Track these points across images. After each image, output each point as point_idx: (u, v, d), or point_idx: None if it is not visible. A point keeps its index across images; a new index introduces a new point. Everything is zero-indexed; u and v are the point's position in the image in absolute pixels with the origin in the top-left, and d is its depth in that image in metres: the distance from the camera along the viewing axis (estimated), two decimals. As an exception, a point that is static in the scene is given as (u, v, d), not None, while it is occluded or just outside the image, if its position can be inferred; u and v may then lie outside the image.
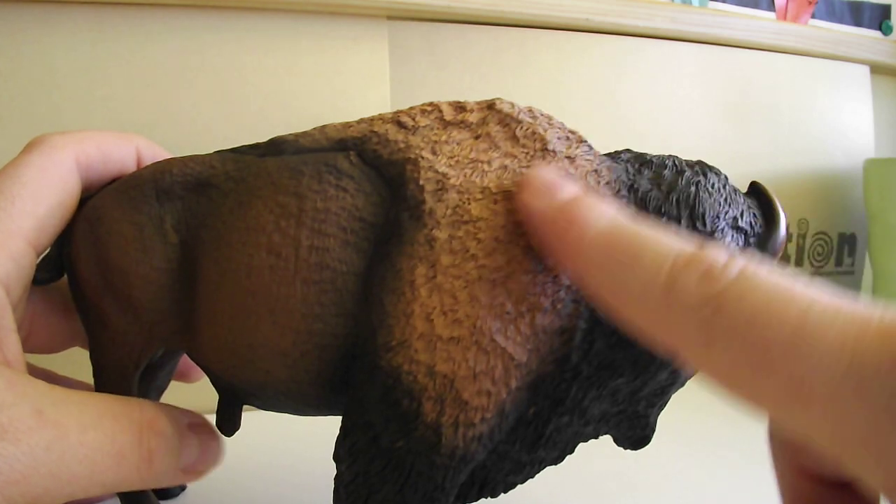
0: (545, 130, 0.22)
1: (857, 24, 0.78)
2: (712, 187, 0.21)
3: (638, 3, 0.63)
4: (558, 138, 0.22)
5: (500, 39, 0.59)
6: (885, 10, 0.79)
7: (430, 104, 0.23)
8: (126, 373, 0.29)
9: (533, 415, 0.20)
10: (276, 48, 0.51)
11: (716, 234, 0.21)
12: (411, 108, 0.24)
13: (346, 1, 0.52)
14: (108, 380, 0.28)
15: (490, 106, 0.22)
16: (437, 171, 0.21)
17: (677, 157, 0.23)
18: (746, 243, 0.21)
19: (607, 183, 0.21)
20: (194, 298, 0.24)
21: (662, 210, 0.21)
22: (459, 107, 0.23)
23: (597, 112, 0.63)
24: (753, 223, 0.22)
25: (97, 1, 0.47)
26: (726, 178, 0.23)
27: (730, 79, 0.69)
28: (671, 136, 0.65)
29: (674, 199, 0.21)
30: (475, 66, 0.59)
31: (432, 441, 0.19)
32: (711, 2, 0.68)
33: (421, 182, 0.21)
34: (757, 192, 0.23)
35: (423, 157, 0.21)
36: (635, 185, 0.21)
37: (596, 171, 0.21)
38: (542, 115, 0.22)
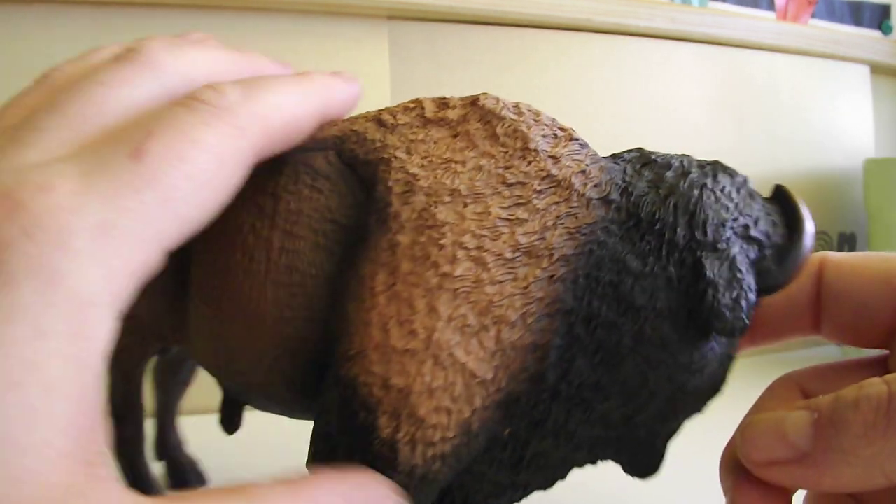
0: (528, 128, 0.20)
1: (857, 23, 0.78)
2: (721, 191, 0.19)
3: (638, 3, 0.63)
4: (543, 136, 0.20)
5: (500, 39, 0.59)
6: (885, 10, 0.79)
7: (415, 101, 0.22)
8: (129, 375, 0.29)
9: (509, 436, 0.19)
10: (277, 48, 0.51)
11: (719, 245, 0.18)
12: (396, 106, 0.22)
13: (346, 1, 0.52)
14: (113, 381, 0.28)
15: (473, 102, 0.20)
16: (407, 172, 0.19)
17: (689, 156, 0.21)
18: (760, 255, 0.19)
19: (596, 185, 0.19)
20: (185, 297, 0.24)
21: (657, 216, 0.19)
22: (442, 103, 0.21)
23: (597, 112, 0.63)
24: (771, 232, 0.20)
25: (97, 1, 0.47)
26: (745, 180, 0.20)
27: (730, 79, 0.69)
28: (671, 135, 0.65)
29: (671, 204, 0.19)
30: (475, 66, 0.59)
31: (389, 458, 0.17)
32: (711, 2, 0.68)
33: (389, 183, 0.19)
34: (781, 196, 0.21)
35: (395, 157, 0.20)
36: (630, 188, 0.19)
37: (584, 171, 0.19)
38: (529, 110, 0.20)
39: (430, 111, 0.21)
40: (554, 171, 0.19)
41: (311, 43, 0.52)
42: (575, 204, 0.19)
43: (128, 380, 0.29)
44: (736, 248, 0.19)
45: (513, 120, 0.20)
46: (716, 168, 0.20)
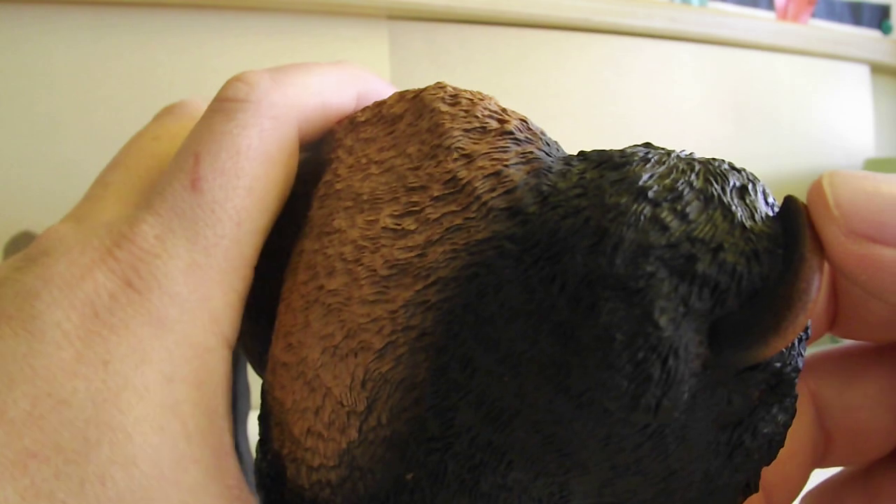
0: (452, 120, 0.16)
1: (857, 23, 0.78)
2: (668, 202, 0.13)
3: (637, 3, 0.63)
4: (464, 131, 0.16)
5: (500, 39, 0.59)
6: (885, 10, 0.79)
7: (392, 96, 0.19)
8: None
9: (413, 482, 0.16)
10: (277, 48, 0.51)
11: (630, 282, 0.13)
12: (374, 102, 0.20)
13: (346, 1, 0.52)
14: None
15: (418, 94, 0.18)
16: (335, 174, 0.18)
17: (667, 151, 0.15)
18: (716, 302, 0.13)
19: (507, 192, 0.15)
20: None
21: (558, 234, 0.14)
22: (400, 96, 0.19)
23: (596, 112, 0.63)
24: (742, 269, 0.13)
25: (97, 1, 0.47)
26: (741, 187, 0.14)
27: (730, 79, 0.69)
28: (671, 135, 0.65)
29: (583, 219, 0.14)
30: (475, 65, 0.59)
31: (279, 471, 0.16)
32: (711, 2, 0.68)
33: (319, 185, 0.18)
34: (787, 214, 0.14)
35: (338, 158, 0.18)
36: (552, 197, 0.15)
37: (497, 174, 0.15)
38: (469, 99, 0.17)
39: (386, 106, 0.19)
40: (460, 173, 0.15)
41: (311, 43, 0.52)
42: (471, 215, 0.15)
43: None
44: (663, 288, 0.13)
45: (441, 113, 0.17)
46: (694, 166, 0.15)
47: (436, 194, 0.15)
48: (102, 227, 0.15)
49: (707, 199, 0.14)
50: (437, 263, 0.15)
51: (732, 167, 0.15)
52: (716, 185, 0.14)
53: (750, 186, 0.14)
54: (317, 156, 0.20)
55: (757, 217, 0.14)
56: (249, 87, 0.17)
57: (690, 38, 0.66)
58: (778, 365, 0.14)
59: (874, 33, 0.78)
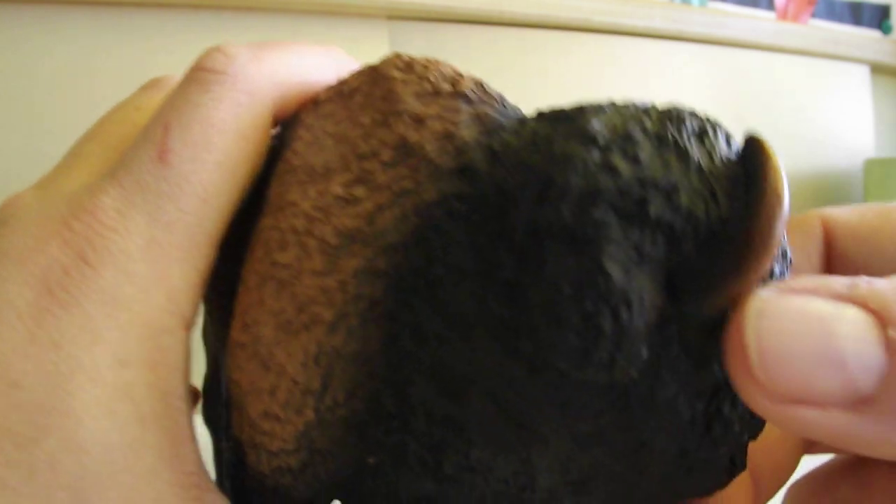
0: (405, 85, 0.16)
1: (857, 23, 0.78)
2: (619, 146, 0.13)
3: (638, 3, 0.63)
4: (417, 95, 0.15)
5: (500, 39, 0.59)
6: (885, 10, 0.79)
7: (352, 72, 0.19)
8: None
9: (375, 466, 0.15)
10: (276, 48, 0.51)
11: (577, 230, 0.12)
12: None
13: (346, 1, 0.52)
14: None
15: (374, 66, 0.17)
16: (294, 152, 0.17)
17: (627, 102, 0.14)
18: (672, 249, 0.12)
19: (458, 152, 0.14)
20: None
21: (505, 186, 0.13)
22: (359, 71, 0.18)
23: (597, 112, 0.63)
24: (698, 211, 0.12)
25: (97, 1, 0.47)
26: (699, 130, 0.13)
27: (730, 79, 0.69)
28: (671, 136, 0.65)
29: (528, 169, 0.13)
30: (475, 66, 0.59)
31: (239, 456, 0.16)
32: (711, 2, 0.68)
33: (279, 162, 0.17)
34: (748, 154, 0.13)
35: (298, 137, 0.18)
36: (502, 153, 0.14)
37: (449, 135, 0.14)
38: (424, 66, 0.16)
39: (346, 82, 0.18)
40: (411, 137, 0.15)
41: (311, 43, 0.52)
42: (421, 178, 0.14)
43: None
44: (613, 235, 0.12)
45: (392, 80, 0.16)
46: (649, 111, 0.14)
47: (386, 160, 0.15)
48: (64, 197, 0.14)
49: (661, 142, 0.13)
50: (386, 229, 0.14)
51: (693, 112, 0.14)
52: (671, 128, 0.13)
53: (710, 129, 0.14)
54: (282, 135, 0.19)
55: (716, 159, 0.13)
56: (228, 59, 0.16)
57: (690, 38, 0.66)
58: None
59: (874, 33, 0.78)
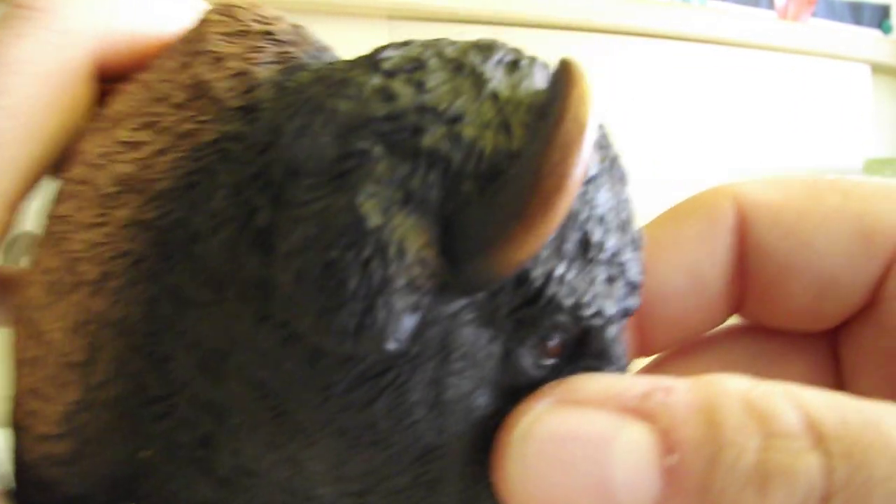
0: (212, 27, 0.14)
1: (857, 23, 0.78)
2: (403, 71, 0.11)
3: (638, 3, 0.63)
4: (223, 35, 0.14)
5: (500, 39, 0.59)
6: (885, 10, 0.79)
7: None
8: None
9: (148, 464, 0.13)
10: (276, 48, 0.51)
11: (335, 166, 0.10)
12: None
13: (346, 1, 0.52)
14: None
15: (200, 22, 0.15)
16: (108, 104, 0.15)
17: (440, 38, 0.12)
18: (449, 187, 0.10)
19: (248, 90, 0.13)
20: None
21: (276, 125, 0.12)
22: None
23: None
24: (479, 146, 0.10)
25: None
26: (511, 58, 0.11)
27: (730, 79, 0.69)
28: (670, 135, 0.65)
29: (288, 105, 0.12)
30: (475, 65, 0.59)
31: (13, 446, 0.14)
32: (711, 1, 0.68)
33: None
34: (557, 79, 0.11)
35: (120, 90, 0.16)
36: (288, 91, 0.13)
37: (243, 73, 0.13)
38: (243, 8, 0.14)
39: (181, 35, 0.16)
40: (205, 76, 0.13)
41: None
42: (204, 118, 0.13)
43: None
44: (376, 169, 0.10)
45: (205, 21, 0.14)
46: (458, 42, 0.12)
47: (178, 101, 0.13)
48: None
49: (457, 68, 0.11)
50: (159, 175, 0.13)
51: (515, 49, 0.12)
52: (475, 56, 0.11)
53: (525, 62, 0.11)
54: None
55: (521, 89, 0.11)
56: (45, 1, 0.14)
57: (690, 38, 0.66)
58: (569, 302, 0.10)
59: (874, 33, 0.78)
